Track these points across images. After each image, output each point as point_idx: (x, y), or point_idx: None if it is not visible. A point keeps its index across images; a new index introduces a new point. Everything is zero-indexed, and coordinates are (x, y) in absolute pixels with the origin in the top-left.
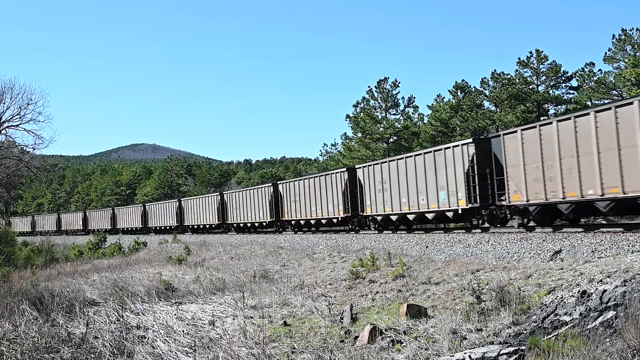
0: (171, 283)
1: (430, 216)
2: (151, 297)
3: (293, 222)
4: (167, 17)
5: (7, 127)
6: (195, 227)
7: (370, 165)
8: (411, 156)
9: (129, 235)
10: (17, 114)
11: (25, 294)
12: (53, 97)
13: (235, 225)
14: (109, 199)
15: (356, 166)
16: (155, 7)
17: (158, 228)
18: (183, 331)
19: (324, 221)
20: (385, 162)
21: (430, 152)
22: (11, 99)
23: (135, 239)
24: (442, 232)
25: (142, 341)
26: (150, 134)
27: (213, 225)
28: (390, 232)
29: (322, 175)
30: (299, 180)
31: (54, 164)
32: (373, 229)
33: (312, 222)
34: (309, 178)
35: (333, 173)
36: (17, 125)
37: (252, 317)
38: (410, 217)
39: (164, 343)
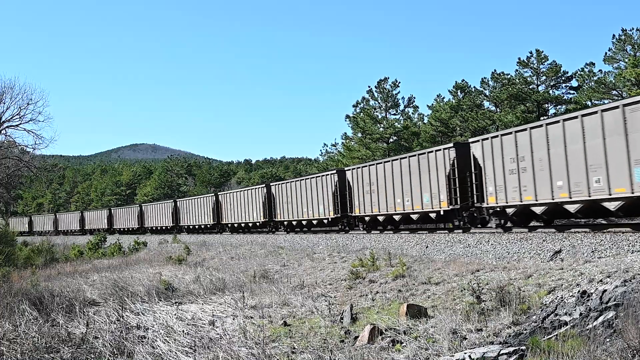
0: (171, 283)
1: (414, 217)
2: (151, 297)
3: (285, 222)
4: (167, 17)
5: (7, 127)
6: (191, 227)
7: (359, 167)
8: (397, 159)
9: (126, 235)
10: (17, 114)
11: (25, 294)
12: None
13: (229, 225)
14: (109, 199)
15: (345, 168)
16: (155, 7)
17: (154, 228)
18: (183, 331)
19: (315, 222)
20: (373, 164)
21: (415, 155)
22: (11, 99)
23: (135, 239)
24: (442, 232)
25: (142, 341)
26: (150, 134)
27: (208, 226)
28: (378, 232)
29: (313, 177)
30: (291, 181)
31: (54, 164)
32: (361, 228)
33: (304, 222)
34: (301, 180)
35: (323, 175)
36: (17, 125)
37: (252, 317)
38: (396, 217)
39: (164, 343)
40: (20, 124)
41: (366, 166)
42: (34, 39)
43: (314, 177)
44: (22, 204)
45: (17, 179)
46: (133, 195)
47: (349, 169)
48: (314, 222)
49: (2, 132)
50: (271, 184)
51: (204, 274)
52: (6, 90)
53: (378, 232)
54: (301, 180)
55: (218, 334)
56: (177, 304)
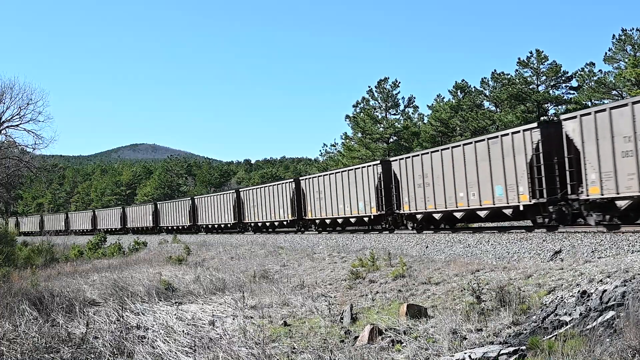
0: (171, 283)
1: (353, 220)
2: (151, 297)
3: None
4: (167, 17)
5: (7, 127)
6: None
7: (314, 177)
8: (339, 172)
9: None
10: (17, 114)
11: (25, 294)
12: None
13: (252, 224)
14: (109, 199)
15: (391, 159)
16: (155, 7)
17: (170, 228)
18: (183, 331)
19: (352, 219)
20: (322, 175)
21: (352, 169)
22: (11, 99)
23: (135, 239)
24: (442, 232)
25: (142, 341)
26: (150, 134)
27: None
28: (363, 232)
29: (352, 169)
30: (325, 175)
31: (54, 164)
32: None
33: (339, 220)
34: (336, 172)
35: (364, 167)
36: (17, 125)
37: (252, 317)
38: (339, 220)
39: (164, 343)
40: (20, 124)
41: (318, 177)
42: (34, 39)
43: (352, 169)
44: (22, 204)
45: (17, 179)
46: (133, 195)
47: (303, 179)
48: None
49: (2, 132)
50: (300, 178)
51: (204, 274)
52: (6, 90)
53: (362, 232)
54: (336, 172)
55: (218, 334)
56: (177, 304)
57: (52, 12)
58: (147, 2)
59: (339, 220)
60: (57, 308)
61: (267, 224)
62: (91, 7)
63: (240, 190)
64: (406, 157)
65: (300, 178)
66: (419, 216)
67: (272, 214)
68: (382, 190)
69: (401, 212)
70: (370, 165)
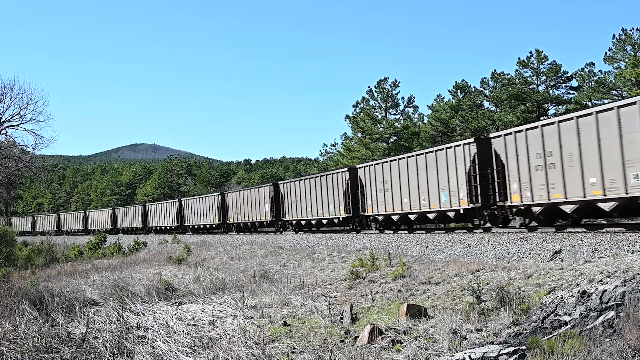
0: (171, 283)
1: (325, 222)
2: (151, 297)
3: (294, 222)
4: (167, 17)
5: (7, 127)
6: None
7: (291, 182)
8: (313, 177)
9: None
10: (17, 114)
11: (25, 294)
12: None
13: (293, 222)
14: (109, 199)
15: (279, 182)
16: (155, 7)
17: (158, 228)
18: (183, 331)
19: (324, 221)
20: (298, 180)
21: (325, 175)
22: (11, 99)
23: (135, 239)
24: (442, 232)
25: (142, 341)
26: (150, 134)
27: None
28: (312, 232)
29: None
30: (380, 162)
31: (54, 164)
32: (290, 228)
33: (313, 222)
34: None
35: (335, 173)
36: (17, 125)
37: (252, 317)
38: (313, 222)
39: (164, 343)
40: (20, 124)
41: (296, 181)
42: (34, 39)
43: (324, 175)
44: (22, 204)
45: (17, 179)
46: (133, 195)
47: (281, 183)
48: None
49: (2, 132)
50: (279, 182)
51: (204, 274)
52: (6, 90)
53: (311, 232)
54: (310, 178)
55: (218, 334)
56: (177, 304)
57: (52, 12)
58: (147, 2)
59: (313, 222)
60: (57, 308)
61: (249, 224)
62: (91, 7)
63: (224, 193)
64: (370, 165)
65: (279, 182)
66: (380, 218)
67: (254, 215)
68: (350, 194)
69: (366, 214)
70: (339, 172)
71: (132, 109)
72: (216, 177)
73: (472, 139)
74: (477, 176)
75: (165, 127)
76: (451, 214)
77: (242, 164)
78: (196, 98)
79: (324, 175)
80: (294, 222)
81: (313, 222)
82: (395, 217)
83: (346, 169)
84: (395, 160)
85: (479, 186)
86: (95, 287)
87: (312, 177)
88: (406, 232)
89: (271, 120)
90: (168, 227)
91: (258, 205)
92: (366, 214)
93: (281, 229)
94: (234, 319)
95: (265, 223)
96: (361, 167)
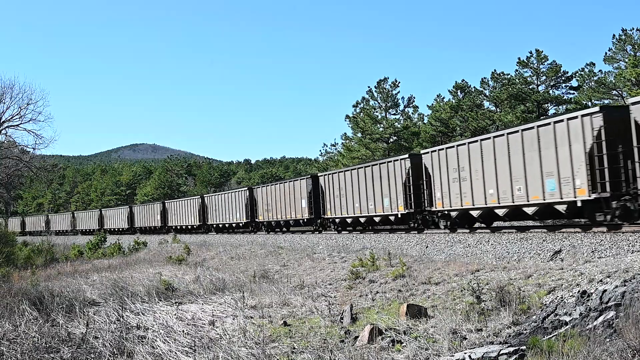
0: (171, 283)
1: (292, 222)
2: (151, 297)
3: (265, 222)
4: (167, 17)
5: (7, 127)
6: (220, 226)
7: (263, 187)
8: (281, 184)
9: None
10: (17, 114)
11: (25, 294)
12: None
13: (265, 224)
14: (108, 199)
15: (252, 187)
16: (156, 7)
17: (179, 227)
18: (183, 331)
19: (291, 222)
20: (268, 185)
21: (290, 182)
22: (11, 99)
23: (135, 238)
24: (442, 232)
25: (142, 341)
26: (150, 134)
27: (240, 224)
28: (281, 232)
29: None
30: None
31: (54, 164)
32: (263, 228)
33: (282, 222)
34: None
35: (299, 179)
36: (17, 125)
37: (252, 317)
38: (282, 223)
39: (164, 343)
40: (21, 123)
41: (268, 186)
42: (34, 39)
43: (290, 182)
44: (22, 204)
45: (17, 179)
46: (133, 195)
47: (322, 175)
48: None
49: (2, 132)
50: (252, 187)
51: (204, 274)
52: (6, 90)
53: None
54: (279, 184)
55: (218, 334)
56: (177, 304)
57: (52, 12)
58: (147, 2)
59: (282, 223)
60: (57, 308)
61: (227, 225)
62: (91, 7)
63: (253, 187)
64: (333, 173)
65: (252, 187)
66: (337, 220)
67: (230, 217)
68: (313, 199)
69: (326, 216)
70: (303, 179)
71: (132, 109)
72: (216, 177)
73: (406, 155)
74: (411, 186)
75: (165, 127)
76: (392, 218)
77: (242, 164)
78: (196, 98)
79: (290, 182)
80: (265, 223)
81: (282, 222)
82: (349, 220)
83: (309, 175)
84: (349, 170)
85: (412, 195)
86: (95, 287)
87: (280, 184)
88: (405, 232)
89: (271, 120)
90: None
91: (235, 207)
92: (327, 216)
93: (255, 230)
94: (234, 319)
95: (240, 224)
96: (322, 175)
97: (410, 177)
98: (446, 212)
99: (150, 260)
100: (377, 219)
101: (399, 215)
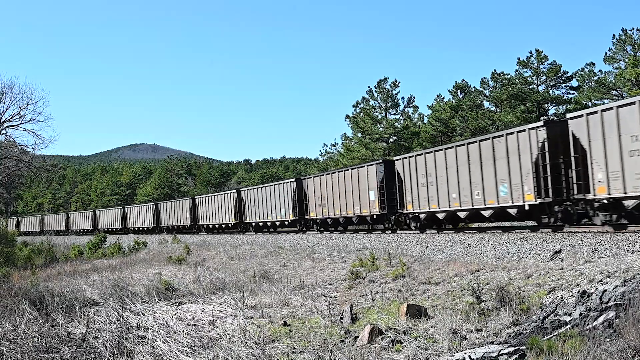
0: (171, 283)
1: (277, 223)
2: (151, 297)
3: (254, 223)
4: (167, 17)
5: (7, 127)
6: (210, 226)
7: (251, 189)
8: (267, 186)
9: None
10: (17, 114)
11: (25, 294)
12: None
13: (319, 221)
14: (108, 199)
15: (241, 189)
16: (156, 7)
17: (171, 227)
18: (183, 331)
19: (277, 223)
20: (255, 188)
21: (276, 185)
22: (11, 99)
23: (136, 238)
24: (441, 232)
25: (142, 341)
26: (150, 134)
27: (286, 222)
28: (294, 232)
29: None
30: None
31: (54, 164)
32: (251, 229)
33: (269, 223)
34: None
35: (284, 183)
36: (17, 125)
37: (252, 317)
38: (269, 223)
39: (164, 343)
40: (20, 124)
41: (255, 188)
42: (33, 39)
43: (275, 185)
44: (22, 204)
45: (17, 179)
46: (133, 195)
47: (304, 178)
48: (277, 223)
49: (2, 132)
50: (241, 189)
51: (204, 274)
52: (6, 90)
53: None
54: (266, 187)
55: (218, 334)
56: (177, 304)
57: (52, 12)
58: (147, 2)
59: (268, 223)
60: (57, 308)
61: (217, 225)
62: (91, 7)
63: (302, 178)
64: (314, 177)
65: (241, 189)
66: (319, 220)
67: (220, 218)
68: (297, 201)
69: (308, 217)
70: (287, 182)
71: (132, 109)
72: (216, 177)
73: (380, 160)
74: (384, 190)
75: (165, 127)
76: (368, 218)
77: (242, 164)
78: (196, 98)
79: (275, 185)
80: (253, 224)
81: (268, 223)
82: (329, 220)
83: (294, 179)
84: (333, 173)
85: (385, 198)
86: (95, 287)
87: (267, 186)
88: (405, 232)
89: (271, 120)
90: (223, 225)
91: (224, 209)
92: (309, 217)
93: (244, 230)
94: (234, 319)
95: (229, 225)
96: (304, 179)
97: (385, 181)
98: (416, 214)
99: (150, 260)
100: (354, 219)
101: (374, 216)
